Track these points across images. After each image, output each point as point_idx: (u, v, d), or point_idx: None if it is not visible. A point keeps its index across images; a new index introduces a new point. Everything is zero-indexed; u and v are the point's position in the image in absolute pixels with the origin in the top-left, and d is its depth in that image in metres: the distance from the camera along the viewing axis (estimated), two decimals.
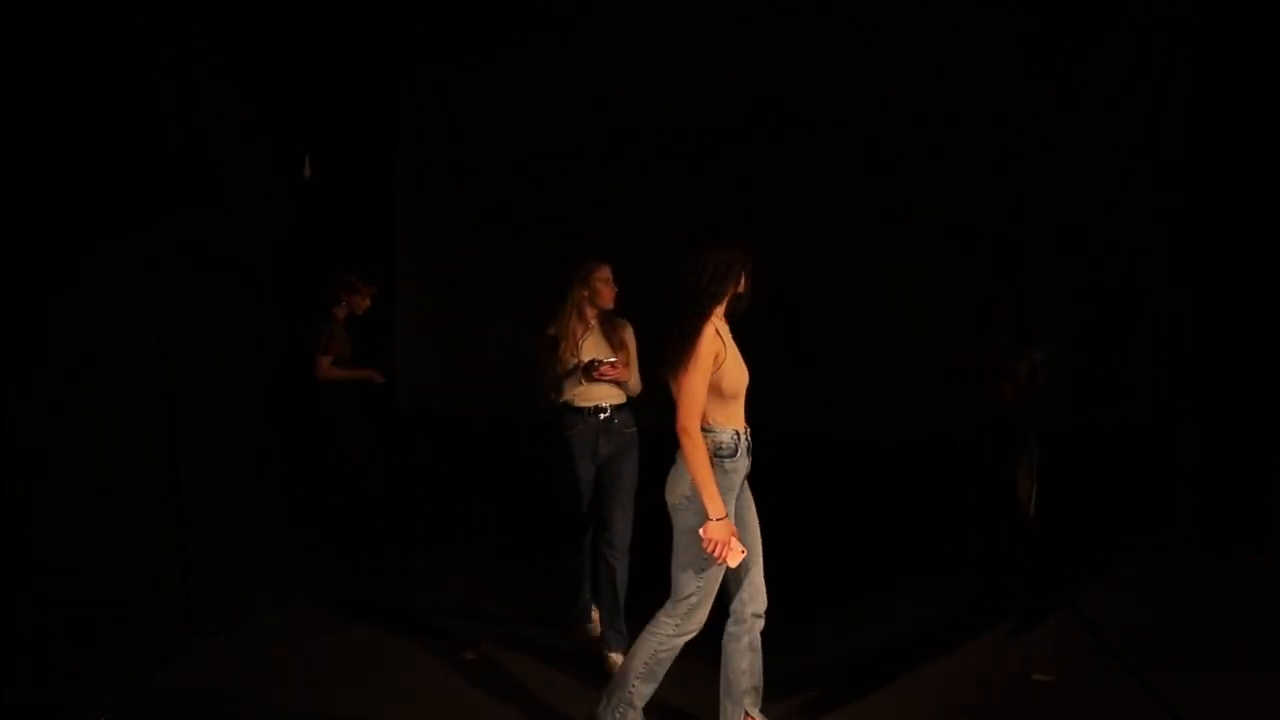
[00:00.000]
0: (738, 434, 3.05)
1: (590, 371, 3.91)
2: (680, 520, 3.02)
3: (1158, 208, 5.70)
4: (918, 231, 5.74)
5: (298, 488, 4.93)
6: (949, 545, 5.22)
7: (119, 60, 3.64)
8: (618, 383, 3.98)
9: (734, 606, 3.17)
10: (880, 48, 5.71)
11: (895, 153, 5.72)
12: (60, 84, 3.36)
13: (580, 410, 4.00)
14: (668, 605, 3.07)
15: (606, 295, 3.99)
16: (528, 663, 3.97)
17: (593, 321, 4.03)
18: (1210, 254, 5.54)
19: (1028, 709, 3.56)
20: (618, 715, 3.12)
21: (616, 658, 3.88)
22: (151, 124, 3.82)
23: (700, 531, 2.91)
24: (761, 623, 3.18)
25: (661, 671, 3.11)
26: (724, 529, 2.90)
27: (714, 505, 2.90)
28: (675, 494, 3.03)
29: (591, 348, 3.99)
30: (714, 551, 2.90)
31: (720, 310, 3.08)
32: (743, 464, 3.08)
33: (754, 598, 3.16)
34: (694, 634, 3.08)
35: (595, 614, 4.25)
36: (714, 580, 3.03)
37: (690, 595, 3.02)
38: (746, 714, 3.19)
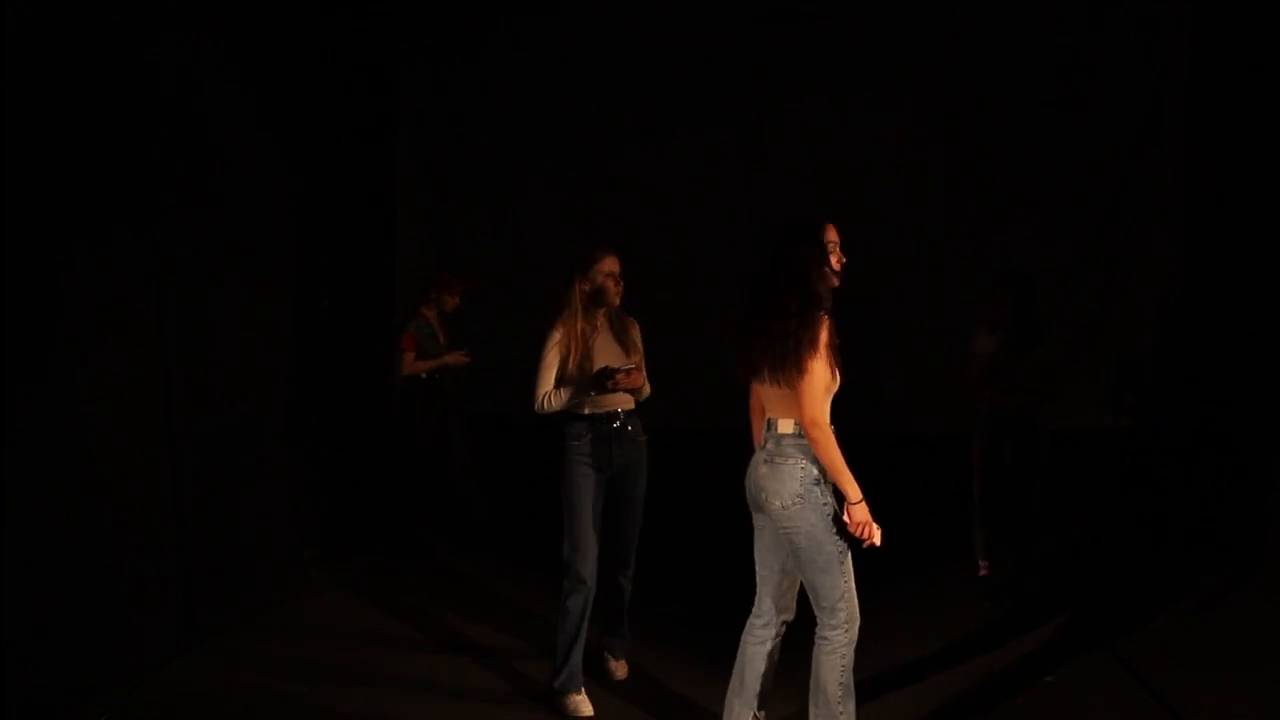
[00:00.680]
0: (833, 430, 2.89)
1: (604, 381, 3.45)
2: (799, 520, 2.85)
3: (1158, 208, 5.71)
4: (918, 230, 5.75)
5: (298, 487, 4.93)
6: (951, 545, 5.22)
7: (119, 57, 3.63)
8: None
9: (768, 606, 3.07)
10: (881, 47, 5.72)
11: (896, 152, 5.73)
12: (60, 82, 3.36)
13: (589, 419, 3.57)
14: (824, 620, 2.91)
15: (610, 290, 3.55)
16: (528, 663, 3.97)
17: (600, 321, 3.61)
18: (1210, 254, 5.53)
19: (1027, 708, 3.57)
20: None
21: (615, 666, 3.80)
22: (151, 122, 3.81)
23: (844, 517, 2.84)
24: (784, 630, 3.11)
25: (852, 681, 2.95)
26: (864, 510, 2.82)
27: (853, 489, 2.81)
28: (785, 495, 2.86)
29: (602, 351, 3.57)
30: (861, 534, 2.82)
31: (831, 298, 2.92)
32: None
33: (789, 606, 3.09)
34: (859, 626, 2.93)
35: (583, 686, 3.62)
36: (852, 572, 2.90)
37: (840, 598, 2.88)
38: (755, 716, 3.10)
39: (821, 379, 2.81)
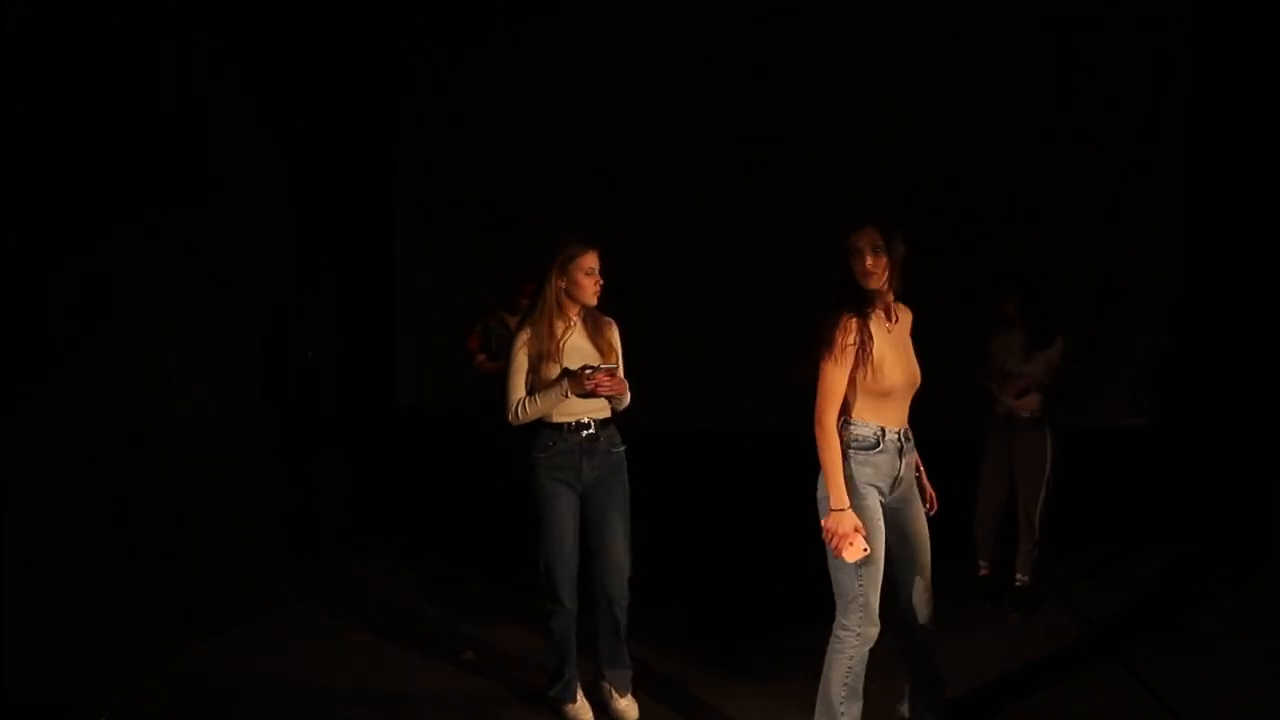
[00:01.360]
0: (883, 431, 2.95)
1: (580, 380, 3.16)
2: (822, 513, 2.93)
3: (1158, 207, 5.70)
4: (918, 229, 5.74)
5: (298, 487, 4.93)
6: (951, 545, 5.21)
7: (119, 58, 3.63)
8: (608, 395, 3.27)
9: (895, 613, 3.04)
10: (881, 47, 5.72)
11: (896, 152, 5.73)
12: (60, 82, 3.36)
13: (558, 427, 3.26)
14: (838, 617, 2.92)
15: (588, 289, 3.24)
16: (528, 663, 3.96)
17: (575, 319, 3.31)
18: (1210, 253, 5.53)
19: (1028, 708, 3.56)
20: None
21: (626, 705, 3.46)
22: (151, 122, 3.81)
23: (821, 521, 2.87)
24: (914, 628, 3.09)
25: (861, 686, 2.94)
26: (842, 521, 2.82)
27: (836, 496, 2.84)
28: (820, 492, 2.94)
29: (573, 354, 3.26)
30: (830, 543, 2.84)
31: (872, 301, 2.96)
32: (885, 463, 2.95)
33: (918, 609, 3.08)
34: (876, 636, 2.91)
35: (583, 694, 3.50)
36: (875, 575, 2.90)
37: (857, 595, 2.87)
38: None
39: (834, 380, 2.87)
